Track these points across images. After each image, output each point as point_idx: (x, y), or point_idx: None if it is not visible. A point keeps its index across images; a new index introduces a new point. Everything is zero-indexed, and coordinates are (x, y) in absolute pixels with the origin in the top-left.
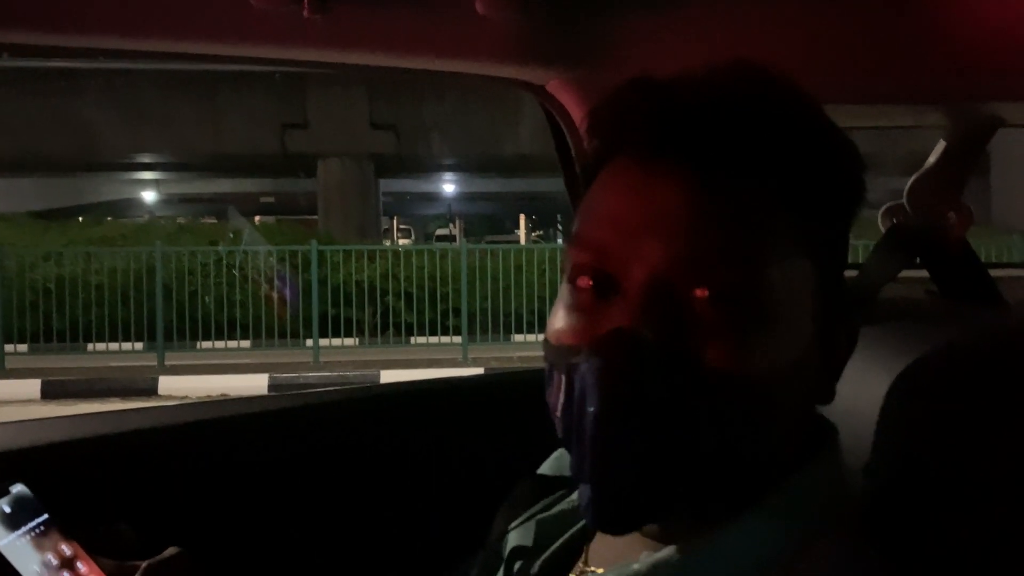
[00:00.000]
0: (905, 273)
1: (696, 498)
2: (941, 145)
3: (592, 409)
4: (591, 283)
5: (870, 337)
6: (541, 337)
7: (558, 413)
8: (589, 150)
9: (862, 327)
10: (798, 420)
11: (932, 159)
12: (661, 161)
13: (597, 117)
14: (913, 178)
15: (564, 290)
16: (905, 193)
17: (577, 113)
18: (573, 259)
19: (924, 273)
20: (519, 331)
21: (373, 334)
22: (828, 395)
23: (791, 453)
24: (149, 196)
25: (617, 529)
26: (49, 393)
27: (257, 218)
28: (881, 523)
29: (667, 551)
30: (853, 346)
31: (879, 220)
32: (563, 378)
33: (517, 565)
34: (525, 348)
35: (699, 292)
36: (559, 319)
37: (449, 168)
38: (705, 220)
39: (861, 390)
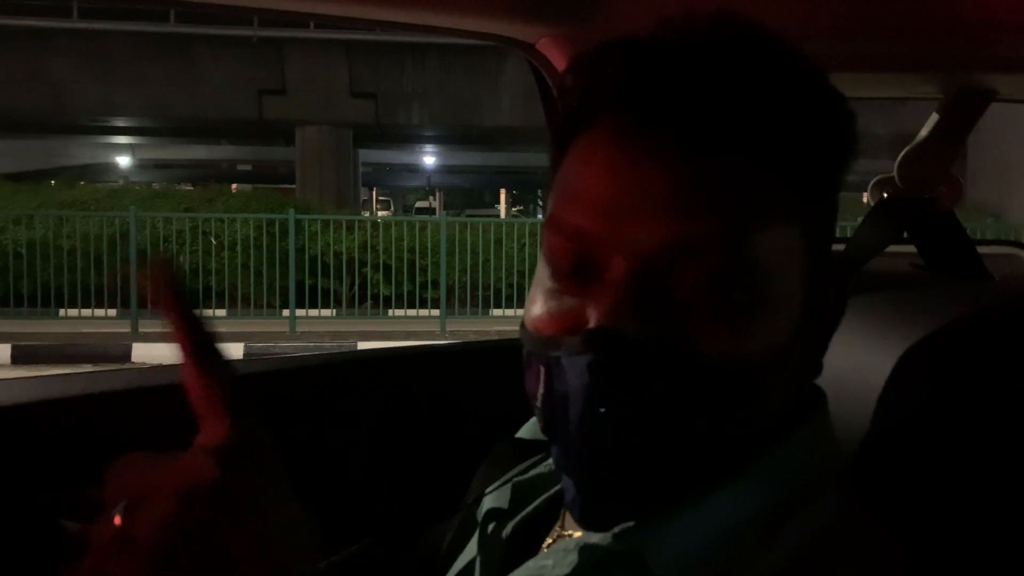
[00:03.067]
0: (892, 248)
1: (677, 477)
2: (934, 118)
3: (577, 410)
4: (569, 269)
5: (858, 307)
6: (519, 311)
7: (538, 403)
8: (561, 116)
9: (850, 298)
10: (788, 393)
11: (924, 132)
12: (643, 133)
13: (570, 81)
14: (904, 151)
15: (541, 273)
16: (896, 166)
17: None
18: (549, 242)
19: (911, 248)
20: (497, 305)
21: (351, 305)
22: (816, 367)
23: (779, 420)
24: (123, 161)
25: (604, 527)
26: (19, 358)
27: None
28: (871, 485)
29: (651, 516)
30: (841, 315)
31: (868, 192)
32: (543, 369)
33: (491, 527)
34: (503, 322)
35: (688, 278)
36: (537, 305)
37: (429, 139)
38: (693, 200)
39: (849, 358)
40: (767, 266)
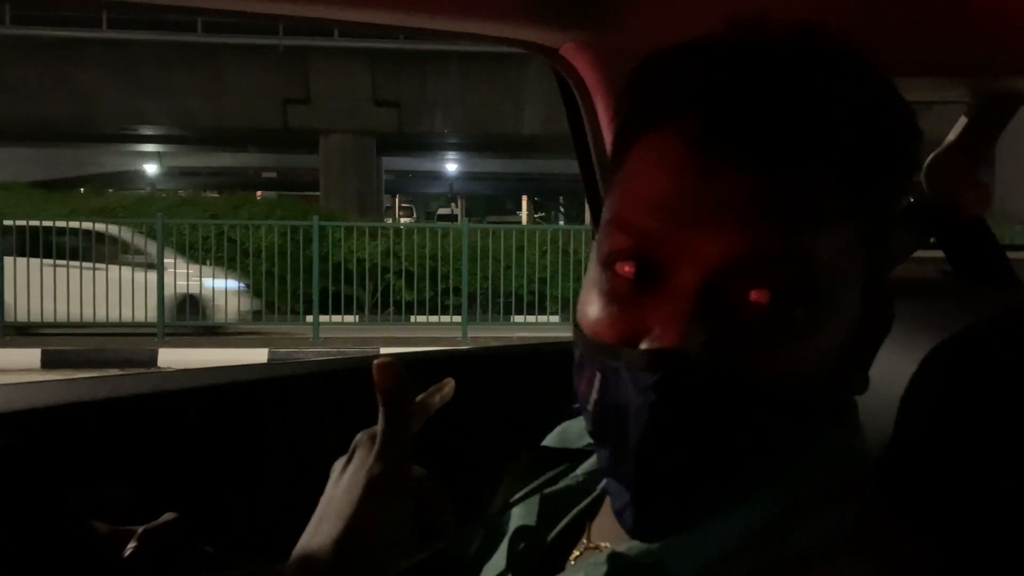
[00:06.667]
0: (919, 253)
1: (719, 489)
2: (962, 121)
3: (636, 424)
4: (633, 272)
5: None
6: (541, 318)
7: (590, 408)
8: (622, 115)
9: None
10: (827, 403)
11: (952, 136)
12: (718, 139)
13: (639, 80)
14: (931, 155)
15: (598, 274)
16: (923, 171)
17: (593, 79)
18: (612, 241)
19: (939, 253)
20: (519, 312)
21: (373, 311)
22: (863, 384)
23: (813, 430)
24: (151, 168)
25: (656, 535)
26: (49, 363)
27: (259, 193)
28: (895, 488)
29: None
30: (887, 332)
31: None
32: (598, 375)
33: (521, 544)
34: (525, 329)
35: (755, 295)
36: (594, 307)
37: (451, 147)
38: (766, 213)
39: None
40: (831, 285)
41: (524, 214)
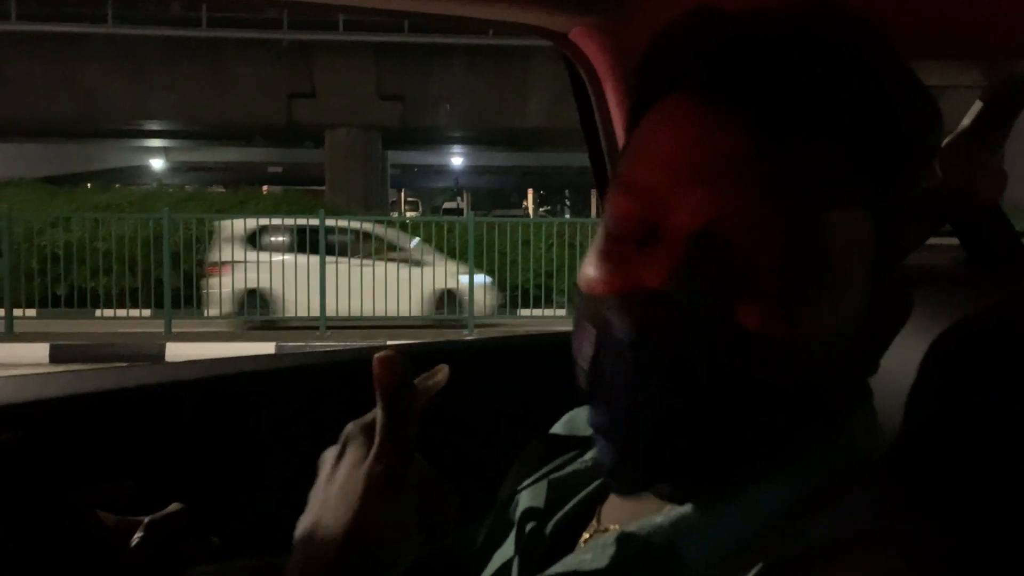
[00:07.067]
0: (933, 240)
1: (718, 460)
2: (977, 105)
3: (621, 371)
4: (631, 228)
5: None
6: (547, 312)
7: (583, 364)
8: (637, 87)
9: None
10: (839, 388)
11: (967, 120)
12: (722, 101)
13: (654, 47)
14: (946, 140)
15: (601, 235)
16: (937, 155)
17: (602, 63)
18: (614, 203)
19: (954, 240)
20: (525, 305)
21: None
22: (873, 366)
23: (826, 415)
24: (157, 164)
25: (627, 489)
26: (57, 357)
27: (265, 188)
28: (911, 475)
29: (689, 507)
30: (906, 317)
31: None
32: (592, 329)
33: (529, 526)
34: (531, 323)
35: (749, 249)
36: (593, 266)
37: (456, 140)
38: (765, 170)
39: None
40: (833, 253)
41: (530, 207)
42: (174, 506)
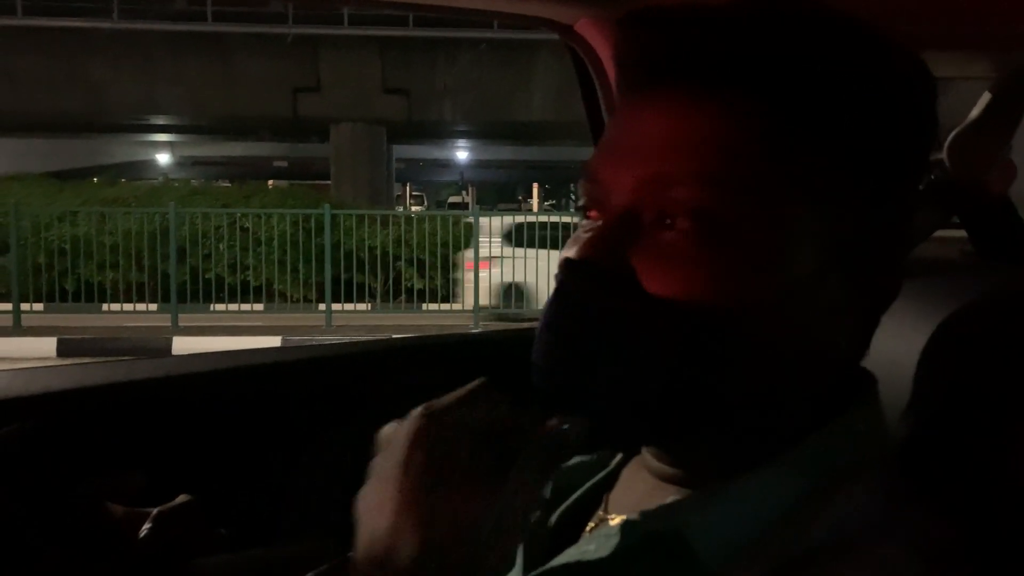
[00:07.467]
0: (941, 232)
1: (707, 445)
2: (986, 97)
3: (542, 331)
4: (589, 210)
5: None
6: None
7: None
8: (611, 89)
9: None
10: (828, 369)
11: (975, 112)
12: (655, 86)
13: (618, 49)
14: (955, 132)
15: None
16: (945, 148)
17: (608, 56)
18: (581, 190)
19: (961, 232)
20: (531, 301)
21: (385, 299)
22: (861, 346)
23: (825, 402)
24: (163, 158)
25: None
26: (65, 351)
27: (270, 182)
28: (918, 468)
29: (692, 498)
30: (892, 299)
31: None
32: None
33: (534, 516)
34: (537, 317)
35: (668, 216)
36: (565, 251)
37: (461, 134)
38: (685, 141)
39: (897, 343)
40: (782, 225)
41: (535, 201)
42: (182, 498)
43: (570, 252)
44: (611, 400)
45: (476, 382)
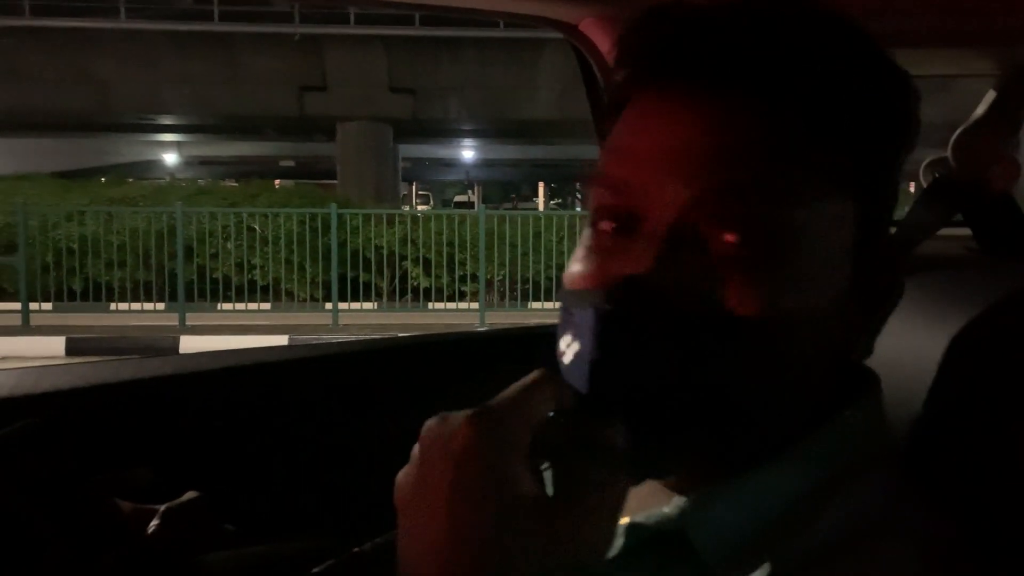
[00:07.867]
0: (945, 230)
1: (715, 446)
2: (990, 95)
3: (598, 358)
4: (613, 224)
5: (910, 290)
6: (559, 305)
7: (564, 359)
8: (615, 87)
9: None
10: (831, 370)
11: (980, 110)
12: (682, 88)
13: (619, 49)
14: (959, 130)
15: (586, 233)
16: (950, 146)
17: (612, 55)
18: (594, 199)
19: (966, 230)
20: (536, 298)
21: (391, 298)
22: (867, 348)
23: (826, 401)
24: (170, 158)
25: (640, 474)
26: (73, 350)
27: (277, 181)
28: (923, 466)
29: (697, 498)
30: (897, 299)
31: (920, 175)
32: (573, 323)
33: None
34: (543, 315)
35: (723, 232)
36: (577, 262)
37: (467, 133)
38: (733, 155)
39: (901, 341)
40: (810, 232)
41: (541, 200)
42: (190, 494)
43: (621, 268)
44: (684, 419)
45: (535, 374)
